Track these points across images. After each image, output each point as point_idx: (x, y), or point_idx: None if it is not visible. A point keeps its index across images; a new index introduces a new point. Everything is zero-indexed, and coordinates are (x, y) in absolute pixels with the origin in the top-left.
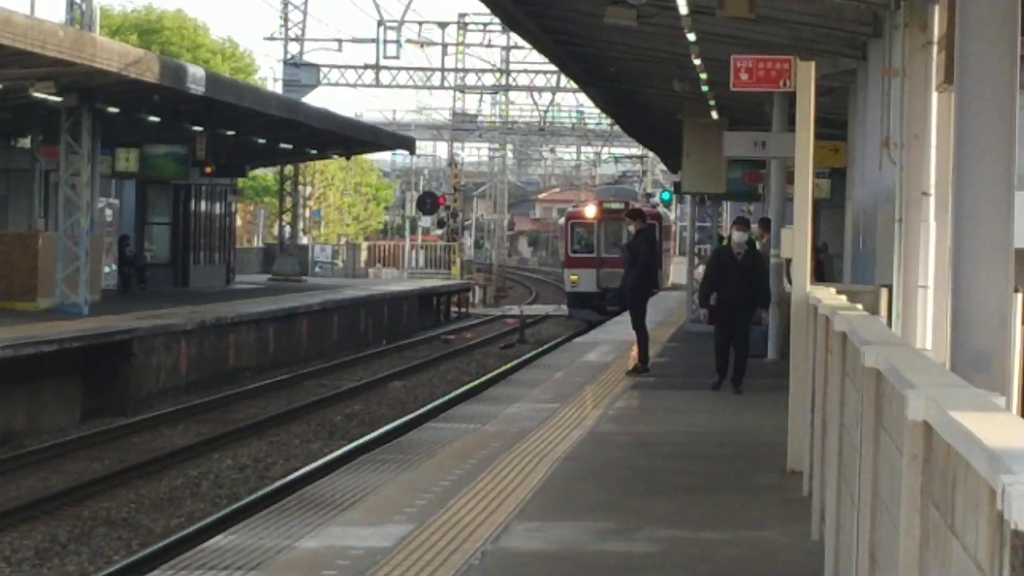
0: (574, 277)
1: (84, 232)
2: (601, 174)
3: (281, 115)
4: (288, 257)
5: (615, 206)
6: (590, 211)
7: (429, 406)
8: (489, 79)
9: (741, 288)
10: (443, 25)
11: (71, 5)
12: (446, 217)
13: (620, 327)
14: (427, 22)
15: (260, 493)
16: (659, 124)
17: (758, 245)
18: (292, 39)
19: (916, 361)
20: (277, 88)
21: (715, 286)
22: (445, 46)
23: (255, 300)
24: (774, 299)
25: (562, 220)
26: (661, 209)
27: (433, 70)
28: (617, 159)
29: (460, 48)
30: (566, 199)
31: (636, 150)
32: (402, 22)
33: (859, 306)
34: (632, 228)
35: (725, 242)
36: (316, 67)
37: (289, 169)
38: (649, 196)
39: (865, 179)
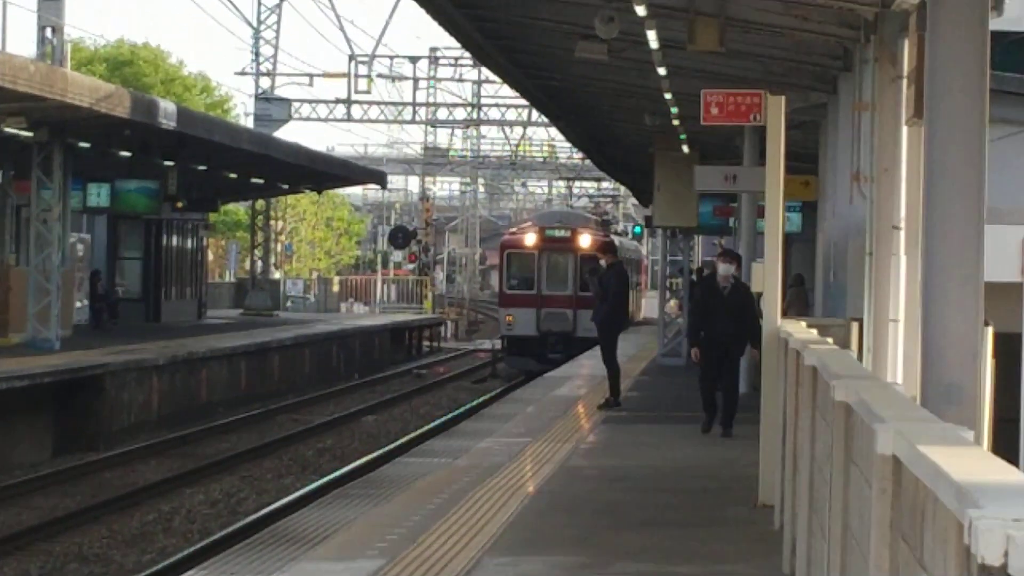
0: (510, 317)
1: (55, 267)
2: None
3: (252, 150)
4: (260, 292)
5: (560, 234)
6: (530, 239)
7: (401, 440)
8: (460, 113)
9: (728, 324)
10: (414, 60)
11: (42, 40)
12: (418, 251)
13: (591, 362)
14: (398, 56)
15: (232, 528)
16: (630, 158)
17: None
18: (263, 74)
19: (885, 395)
20: (248, 123)
21: (701, 323)
22: (416, 80)
23: (227, 335)
24: None
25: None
26: (627, 241)
27: (404, 104)
28: (590, 196)
29: (431, 82)
30: None
31: (608, 183)
32: (373, 56)
33: (830, 340)
34: (604, 262)
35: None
36: (287, 102)
37: (260, 204)
38: (605, 223)
39: (836, 213)
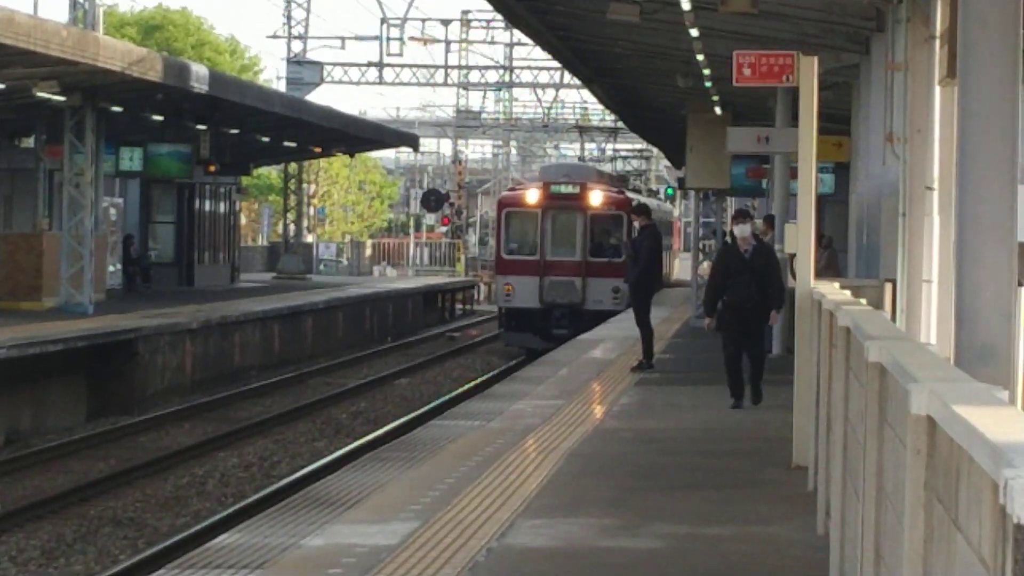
0: (508, 287)
1: (88, 231)
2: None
3: (285, 113)
4: (293, 255)
5: (567, 189)
6: (532, 196)
7: (434, 403)
8: (492, 76)
9: (750, 290)
10: (446, 22)
11: (74, 4)
12: (451, 214)
13: (625, 324)
14: (430, 19)
15: (266, 491)
16: (663, 120)
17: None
18: (295, 37)
19: (919, 356)
20: (280, 86)
21: (722, 290)
22: (448, 43)
23: (260, 298)
24: None
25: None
26: (652, 200)
27: (436, 67)
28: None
29: (463, 45)
30: None
31: (640, 145)
32: (405, 19)
33: (863, 301)
34: (637, 223)
35: (727, 237)
36: (319, 65)
37: (293, 167)
38: (623, 178)
39: (869, 174)
